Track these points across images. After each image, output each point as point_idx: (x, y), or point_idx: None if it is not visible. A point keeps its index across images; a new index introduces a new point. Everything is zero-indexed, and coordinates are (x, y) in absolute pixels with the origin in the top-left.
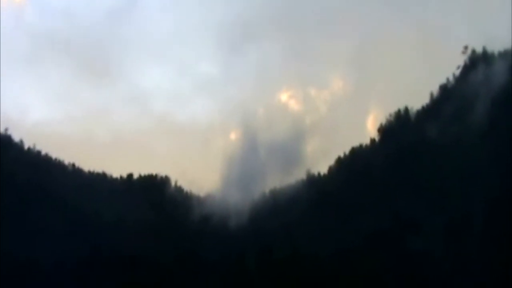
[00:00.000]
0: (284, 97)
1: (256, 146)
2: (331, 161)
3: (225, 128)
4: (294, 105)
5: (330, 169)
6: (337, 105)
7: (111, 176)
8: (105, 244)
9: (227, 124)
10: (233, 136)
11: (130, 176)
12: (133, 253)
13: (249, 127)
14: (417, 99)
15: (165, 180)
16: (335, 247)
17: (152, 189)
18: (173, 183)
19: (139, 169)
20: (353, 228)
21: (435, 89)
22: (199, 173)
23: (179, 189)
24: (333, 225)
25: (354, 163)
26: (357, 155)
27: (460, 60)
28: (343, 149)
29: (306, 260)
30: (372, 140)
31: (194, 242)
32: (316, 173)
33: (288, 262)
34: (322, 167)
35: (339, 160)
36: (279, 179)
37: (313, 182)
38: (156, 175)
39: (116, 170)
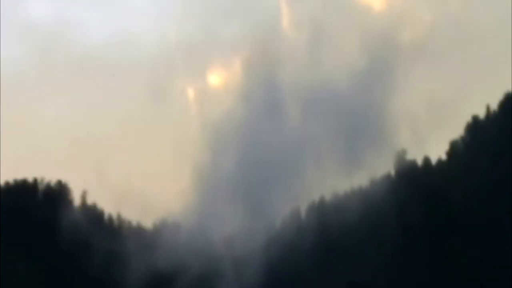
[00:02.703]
0: None
1: (278, 98)
2: (457, 129)
3: (203, 54)
4: None
5: (453, 149)
6: None
7: None
8: None
9: (208, 45)
10: (222, 76)
11: None
12: None
13: (262, 52)
14: None
15: (49, 187)
16: None
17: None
18: (76, 196)
19: None
20: None
21: None
22: (141, 171)
23: (87, 209)
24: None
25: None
26: None
27: None
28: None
29: None
30: None
31: None
32: (419, 160)
33: None
34: (432, 149)
35: (476, 126)
36: (332, 178)
37: (412, 182)
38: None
39: None
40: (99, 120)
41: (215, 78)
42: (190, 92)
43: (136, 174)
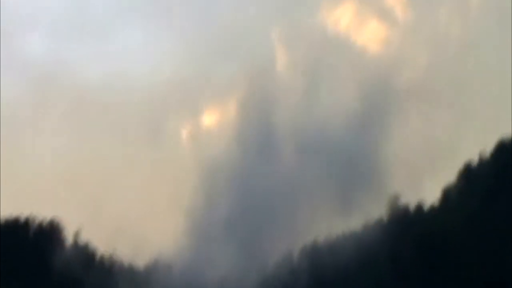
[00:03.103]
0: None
1: (273, 140)
2: (450, 175)
3: (198, 94)
4: (360, 38)
5: (446, 195)
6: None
7: None
8: None
9: (203, 86)
10: (216, 117)
11: None
12: None
13: (256, 93)
14: None
15: (41, 226)
16: None
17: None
18: (68, 235)
19: None
20: None
21: None
22: (134, 211)
23: (79, 248)
24: None
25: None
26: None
27: None
28: (478, 146)
29: None
30: None
31: None
32: (412, 205)
33: None
34: (428, 192)
35: (469, 172)
36: (325, 221)
37: (405, 227)
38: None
39: None
40: (92, 159)
41: (210, 119)
42: (184, 132)
43: (129, 214)
